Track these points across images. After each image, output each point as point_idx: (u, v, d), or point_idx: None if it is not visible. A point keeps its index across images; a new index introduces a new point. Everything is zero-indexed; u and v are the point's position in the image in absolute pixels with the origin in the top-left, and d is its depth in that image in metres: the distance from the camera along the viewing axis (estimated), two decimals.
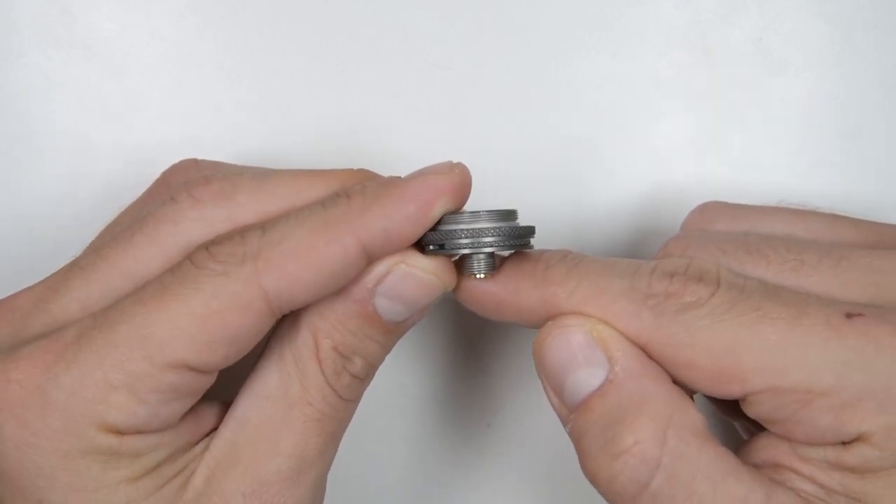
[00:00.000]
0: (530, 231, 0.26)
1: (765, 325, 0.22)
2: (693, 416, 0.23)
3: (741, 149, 0.34)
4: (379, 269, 0.25)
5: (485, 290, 0.26)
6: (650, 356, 0.23)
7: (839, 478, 0.22)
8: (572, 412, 0.24)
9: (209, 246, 0.24)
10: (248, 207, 0.26)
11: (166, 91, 0.33)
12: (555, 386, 0.25)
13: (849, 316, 0.22)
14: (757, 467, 0.23)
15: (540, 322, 0.25)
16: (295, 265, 0.24)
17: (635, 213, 0.34)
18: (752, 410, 0.23)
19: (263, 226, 0.25)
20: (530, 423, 0.37)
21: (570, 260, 0.25)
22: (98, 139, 0.34)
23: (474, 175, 0.26)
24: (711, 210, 0.28)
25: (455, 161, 0.26)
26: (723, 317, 0.22)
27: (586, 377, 0.24)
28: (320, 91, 0.34)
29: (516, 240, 0.25)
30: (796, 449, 0.23)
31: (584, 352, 0.24)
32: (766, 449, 0.23)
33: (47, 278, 0.27)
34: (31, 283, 0.27)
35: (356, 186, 0.25)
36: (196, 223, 0.25)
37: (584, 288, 0.24)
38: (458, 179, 0.25)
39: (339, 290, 0.25)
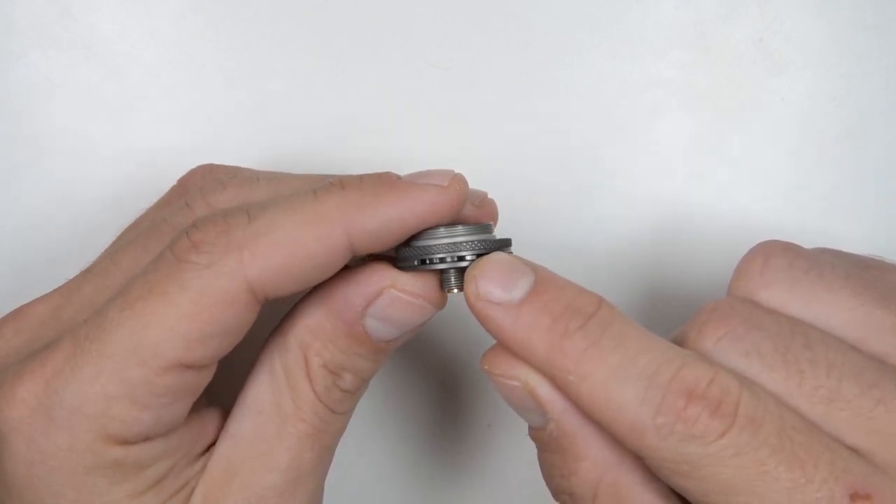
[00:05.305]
0: (506, 243, 0.25)
1: (765, 483, 0.20)
2: (622, 478, 0.23)
3: (741, 149, 0.34)
4: (368, 289, 0.25)
5: (494, 316, 0.23)
6: (649, 467, 0.22)
7: None
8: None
9: (190, 232, 0.23)
10: None
11: (166, 91, 0.33)
12: None
13: (853, 498, 0.20)
14: None
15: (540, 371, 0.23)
16: (282, 258, 0.23)
17: (635, 213, 0.34)
18: None
19: (248, 209, 0.24)
20: None
21: (591, 331, 0.22)
22: (98, 139, 0.33)
23: (473, 177, 0.25)
24: (773, 268, 0.23)
25: (456, 171, 0.25)
26: (726, 462, 0.20)
27: (528, 416, 0.24)
28: (320, 91, 0.34)
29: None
30: None
31: (523, 401, 0.23)
32: None
33: (62, 286, 0.27)
34: (30, 284, 0.27)
35: (352, 178, 0.24)
36: None
37: (594, 382, 0.21)
38: (456, 197, 0.24)
39: (327, 304, 0.25)
